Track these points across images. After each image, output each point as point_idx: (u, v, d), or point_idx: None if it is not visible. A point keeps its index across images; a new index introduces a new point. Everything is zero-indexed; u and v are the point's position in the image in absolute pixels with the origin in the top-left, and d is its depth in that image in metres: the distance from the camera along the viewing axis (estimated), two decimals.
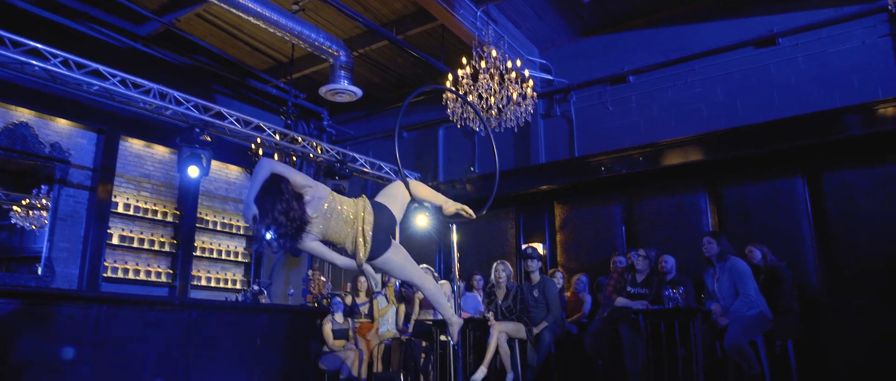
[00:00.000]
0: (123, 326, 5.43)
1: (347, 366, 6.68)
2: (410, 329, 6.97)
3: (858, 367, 5.77)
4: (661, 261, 5.95)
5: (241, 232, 9.01)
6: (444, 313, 4.01)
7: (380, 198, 3.69)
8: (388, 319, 7.54)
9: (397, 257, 3.57)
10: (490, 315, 6.17)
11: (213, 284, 8.53)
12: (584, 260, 7.75)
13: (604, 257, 7.64)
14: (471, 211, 3.68)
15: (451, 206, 3.73)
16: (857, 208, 6.27)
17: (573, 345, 6.58)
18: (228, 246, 8.88)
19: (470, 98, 6.45)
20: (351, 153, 7.72)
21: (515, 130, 6.91)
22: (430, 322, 6.80)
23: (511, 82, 6.16)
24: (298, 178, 3.14)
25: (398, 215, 3.66)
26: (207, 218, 8.64)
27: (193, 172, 6.24)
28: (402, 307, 7.44)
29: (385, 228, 3.35)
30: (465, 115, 6.61)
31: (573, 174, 7.95)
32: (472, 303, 7.09)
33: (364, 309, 7.41)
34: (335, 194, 3.32)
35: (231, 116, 6.36)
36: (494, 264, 6.46)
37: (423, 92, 9.40)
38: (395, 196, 3.73)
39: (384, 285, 7.69)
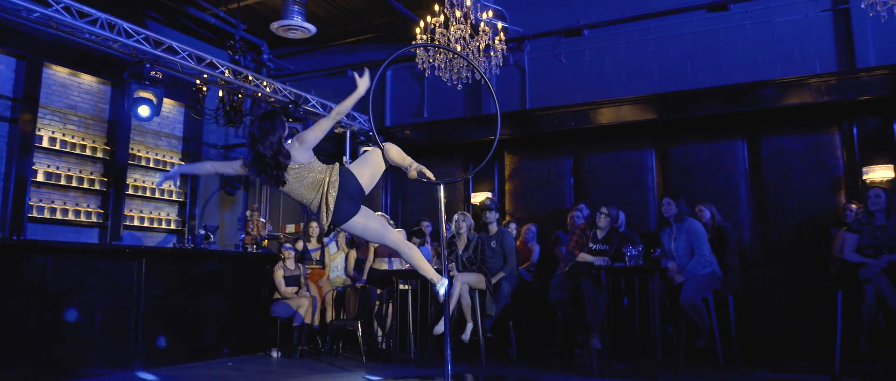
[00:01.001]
0: (68, 276, 5.08)
1: (301, 314, 6.62)
2: (365, 277, 6.97)
3: (787, 318, 6.37)
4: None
5: None
6: (428, 274, 4.07)
7: (355, 165, 3.80)
8: (338, 265, 7.49)
9: (366, 221, 3.76)
10: (452, 266, 6.26)
11: (146, 224, 8.09)
12: (532, 210, 7.96)
13: (552, 208, 7.90)
14: (431, 175, 3.86)
15: (412, 170, 3.90)
16: (790, 171, 6.78)
17: (526, 293, 6.84)
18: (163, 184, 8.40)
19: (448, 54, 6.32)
20: (303, 94, 7.39)
21: (484, 78, 6.83)
22: (386, 270, 6.84)
23: (486, 34, 6.06)
24: (310, 134, 3.56)
25: (370, 183, 3.80)
26: (140, 154, 8.10)
27: (144, 112, 5.76)
28: (353, 253, 7.41)
29: (350, 195, 3.64)
30: (435, 63, 6.46)
31: (524, 126, 8.05)
32: (425, 255, 7.15)
33: (315, 255, 7.31)
34: (316, 161, 3.63)
35: (184, 51, 5.87)
36: (455, 216, 6.52)
37: (372, 30, 9.11)
38: (369, 163, 3.84)
39: (335, 231, 7.60)
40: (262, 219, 8.82)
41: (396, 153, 3.97)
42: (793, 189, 6.73)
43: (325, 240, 7.45)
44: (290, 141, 3.73)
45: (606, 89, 7.78)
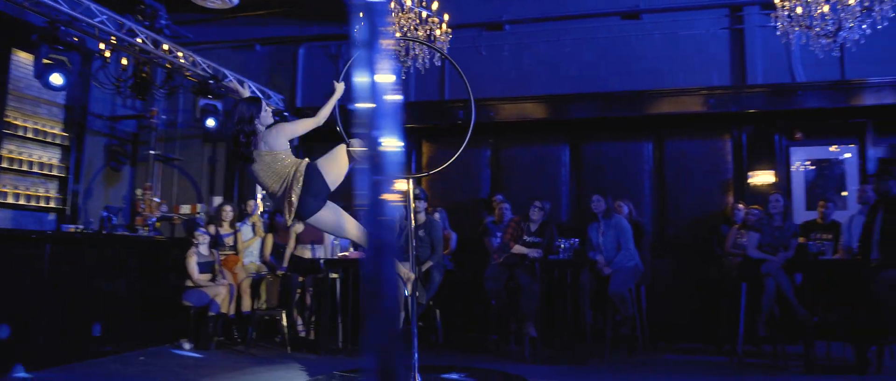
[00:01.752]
0: None
1: (217, 303, 6.25)
2: (285, 264, 6.71)
3: (686, 306, 7.02)
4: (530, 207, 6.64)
5: (57, 141, 7.62)
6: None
7: (323, 161, 3.75)
8: (253, 251, 7.16)
9: (329, 217, 3.77)
10: None
11: (22, 201, 7.16)
12: (447, 198, 8.06)
13: (467, 197, 8.07)
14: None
15: None
16: (688, 173, 7.47)
17: (451, 282, 6.95)
18: (41, 157, 7.47)
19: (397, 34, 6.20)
20: (222, 69, 6.89)
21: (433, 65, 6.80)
22: (309, 259, 6.65)
23: (434, 24, 6.03)
24: (289, 127, 3.80)
25: (336, 180, 3.77)
26: (16, 123, 7.13)
27: (57, 80, 5.06)
28: (270, 239, 7.11)
29: (314, 193, 3.69)
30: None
31: (442, 116, 8.12)
32: (345, 241, 7.03)
33: (228, 241, 6.92)
34: (287, 152, 3.72)
35: (102, 14, 5.23)
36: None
37: (282, 4, 8.67)
38: (336, 159, 3.81)
39: (248, 214, 7.23)
40: (155, 198, 8.17)
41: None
42: (690, 189, 7.43)
43: (238, 224, 7.06)
44: (266, 128, 3.68)
45: (525, 85, 8.06)
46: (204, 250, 6.48)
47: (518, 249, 5.91)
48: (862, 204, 6.02)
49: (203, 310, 6.29)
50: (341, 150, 3.88)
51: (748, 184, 7.23)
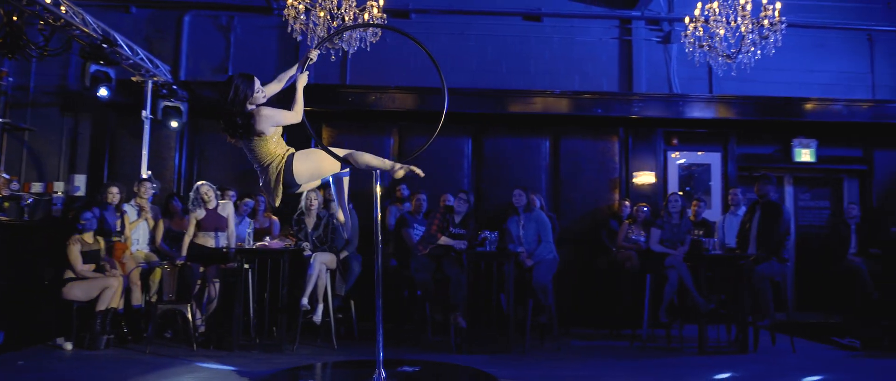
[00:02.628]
0: None
1: (108, 295, 5.55)
2: (184, 253, 6.11)
3: (582, 294, 7.50)
4: (444, 199, 6.76)
5: None
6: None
7: (301, 155, 3.61)
8: (140, 237, 6.45)
9: (305, 170, 3.63)
10: (306, 245, 5.93)
11: None
12: (350, 187, 7.84)
13: (370, 185, 7.90)
14: (420, 170, 3.91)
15: (400, 170, 3.94)
16: (581, 170, 8.00)
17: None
18: None
19: (321, 14, 5.87)
20: (112, 33, 6.04)
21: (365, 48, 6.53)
22: (212, 248, 6.13)
23: (371, 7, 5.82)
24: (273, 115, 3.53)
25: (305, 178, 3.67)
26: None
27: None
28: (161, 224, 6.46)
29: (287, 183, 3.66)
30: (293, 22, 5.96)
31: (343, 102, 7.88)
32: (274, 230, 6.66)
33: (117, 224, 6.15)
34: (275, 140, 3.60)
35: None
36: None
37: None
38: (313, 162, 3.69)
39: (135, 194, 6.49)
40: (4, 175, 7.03)
41: (369, 159, 3.95)
42: (581, 185, 7.97)
43: (124, 207, 6.30)
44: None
45: (429, 75, 8.07)
46: (89, 237, 5.71)
47: (445, 240, 5.96)
48: (733, 205, 6.91)
49: (90, 305, 5.54)
50: (323, 158, 3.83)
51: (632, 183, 7.93)
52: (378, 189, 4.21)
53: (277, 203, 3.68)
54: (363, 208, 7.19)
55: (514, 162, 7.98)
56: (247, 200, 6.85)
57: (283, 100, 3.81)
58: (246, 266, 5.77)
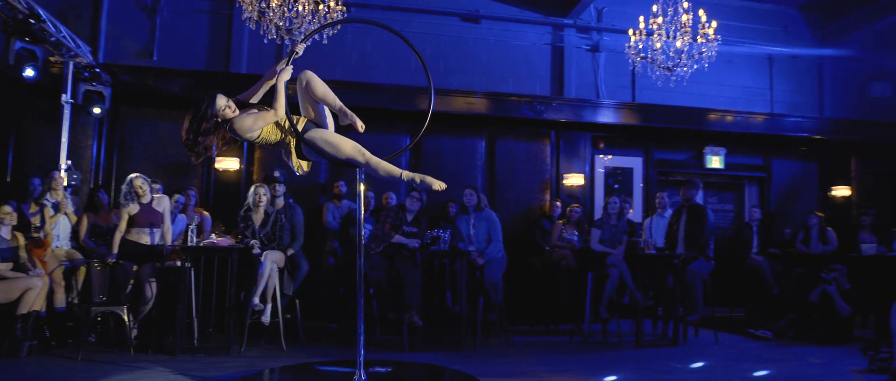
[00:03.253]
0: None
1: (31, 297, 5.05)
2: (115, 250, 5.65)
3: (519, 291, 7.67)
4: (387, 197, 6.81)
5: None
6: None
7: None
8: (61, 233, 5.92)
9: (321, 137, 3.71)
10: (255, 243, 5.68)
11: None
12: (299, 181, 7.61)
13: (307, 181, 7.70)
14: (437, 182, 3.78)
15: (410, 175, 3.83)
16: (515, 171, 8.23)
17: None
18: None
19: (274, 2, 5.62)
20: (38, 8, 5.43)
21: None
22: (147, 245, 5.73)
23: None
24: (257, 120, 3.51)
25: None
26: None
27: None
28: (86, 219, 5.96)
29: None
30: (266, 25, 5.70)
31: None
32: (179, 226, 6.27)
33: (35, 220, 5.60)
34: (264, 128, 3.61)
35: None
36: (254, 187, 5.91)
37: None
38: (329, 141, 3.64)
39: (52, 189, 5.93)
40: None
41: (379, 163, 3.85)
42: (516, 186, 8.20)
43: (44, 201, 5.74)
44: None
45: (367, 71, 8.00)
46: (6, 233, 5.16)
47: (398, 239, 5.93)
48: (660, 208, 7.39)
49: (10, 308, 5.01)
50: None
51: (563, 184, 8.26)
52: (361, 186, 4.12)
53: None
54: (307, 204, 7.02)
55: (453, 161, 8.08)
56: (177, 196, 6.45)
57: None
58: (187, 265, 5.44)
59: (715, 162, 8.74)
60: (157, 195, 5.93)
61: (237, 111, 3.47)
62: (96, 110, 6.52)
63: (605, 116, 8.27)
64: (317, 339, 6.15)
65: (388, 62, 8.08)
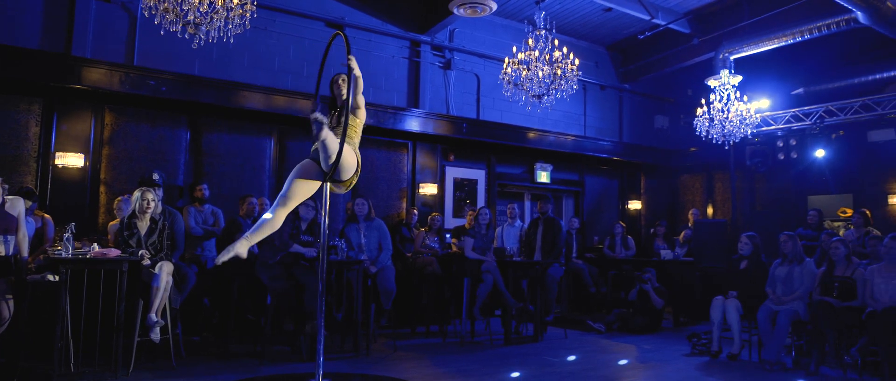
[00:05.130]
0: None
1: None
2: None
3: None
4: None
5: None
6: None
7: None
8: None
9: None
10: (145, 253, 5.13)
11: None
12: (135, 183, 6.87)
13: (165, 182, 7.04)
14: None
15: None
16: (376, 179, 8.46)
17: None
18: None
19: None
20: None
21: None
22: (2, 256, 4.88)
23: None
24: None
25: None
26: None
27: None
28: None
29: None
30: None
31: (132, 84, 6.87)
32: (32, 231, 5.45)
33: None
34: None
35: None
36: (140, 191, 5.31)
37: None
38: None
39: None
40: None
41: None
42: (377, 193, 8.43)
43: None
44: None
45: (228, 67, 7.59)
46: None
47: (296, 248, 5.83)
48: (510, 218, 8.21)
49: None
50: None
51: (418, 193, 8.70)
52: (328, 188, 4.10)
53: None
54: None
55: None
56: (31, 203, 5.53)
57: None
58: (51, 278, 4.76)
59: (543, 177, 9.91)
60: (9, 197, 5.04)
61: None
62: None
63: (455, 130, 8.89)
64: (202, 354, 5.76)
65: (250, 60, 7.76)
